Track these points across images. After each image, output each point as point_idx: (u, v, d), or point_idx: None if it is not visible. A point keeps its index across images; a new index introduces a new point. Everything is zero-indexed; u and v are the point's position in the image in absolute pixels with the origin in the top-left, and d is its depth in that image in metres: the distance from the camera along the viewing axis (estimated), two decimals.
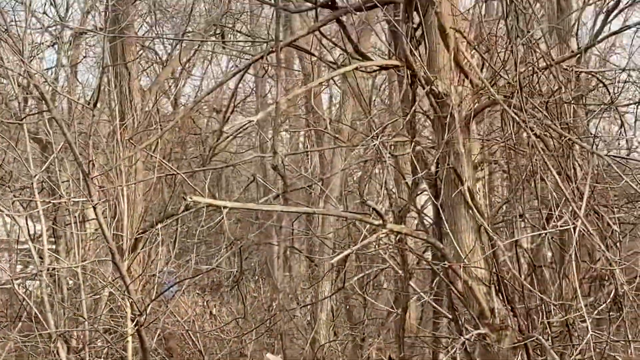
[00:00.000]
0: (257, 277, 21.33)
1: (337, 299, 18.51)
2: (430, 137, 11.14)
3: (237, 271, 16.44)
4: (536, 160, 9.03)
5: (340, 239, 17.56)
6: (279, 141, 23.28)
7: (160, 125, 16.62)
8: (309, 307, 18.42)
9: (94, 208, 11.51)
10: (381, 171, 16.12)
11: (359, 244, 9.17)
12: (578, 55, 11.47)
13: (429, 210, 11.89)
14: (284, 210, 11.24)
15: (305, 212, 12.42)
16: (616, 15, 12.93)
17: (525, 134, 9.04)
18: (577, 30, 13.25)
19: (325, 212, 11.87)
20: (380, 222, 8.95)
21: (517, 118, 8.85)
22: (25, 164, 13.17)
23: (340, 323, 18.89)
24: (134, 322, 11.58)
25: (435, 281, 14.02)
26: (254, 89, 23.40)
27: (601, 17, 12.88)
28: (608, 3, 13.07)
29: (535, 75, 9.30)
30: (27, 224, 14.42)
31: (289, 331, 18.21)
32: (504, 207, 13.72)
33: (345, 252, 9.53)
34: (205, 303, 18.39)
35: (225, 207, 9.48)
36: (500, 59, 9.36)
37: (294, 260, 21.54)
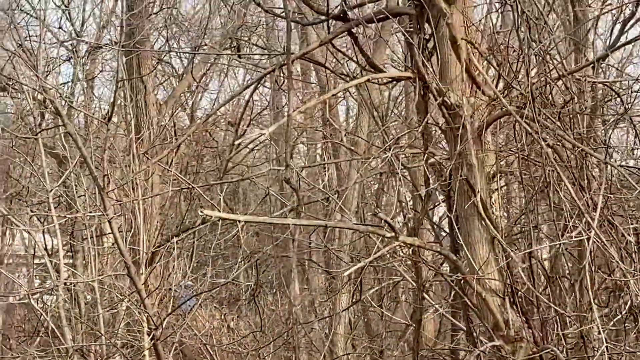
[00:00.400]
0: (274, 290, 21.32)
1: (355, 312, 18.46)
2: (447, 148, 11.10)
3: (254, 284, 16.40)
4: (550, 170, 8.99)
5: (357, 251, 17.52)
6: (295, 154, 23.29)
7: (176, 138, 16.64)
8: (326, 319, 18.37)
9: (109, 222, 11.55)
10: (395, 183, 16.06)
11: (371, 257, 9.14)
12: (593, 66, 11.39)
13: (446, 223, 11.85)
14: (296, 224, 11.19)
15: (318, 224, 12.38)
16: (633, 25, 12.85)
17: (538, 145, 9.00)
18: (594, 40, 13.18)
19: (337, 225, 11.80)
20: (393, 234, 8.91)
21: (529, 129, 8.80)
22: (41, 178, 13.23)
23: (359, 336, 18.85)
24: (150, 337, 11.58)
25: (451, 293, 13.96)
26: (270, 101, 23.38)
27: (618, 27, 12.81)
28: (624, 12, 12.99)
29: (548, 85, 9.26)
30: (44, 238, 14.50)
31: (307, 344, 18.17)
32: (522, 218, 13.64)
33: (359, 265, 9.52)
34: (222, 316, 18.36)
35: (239, 221, 9.48)
36: (512, 69, 9.32)
37: (311, 273, 21.50)
